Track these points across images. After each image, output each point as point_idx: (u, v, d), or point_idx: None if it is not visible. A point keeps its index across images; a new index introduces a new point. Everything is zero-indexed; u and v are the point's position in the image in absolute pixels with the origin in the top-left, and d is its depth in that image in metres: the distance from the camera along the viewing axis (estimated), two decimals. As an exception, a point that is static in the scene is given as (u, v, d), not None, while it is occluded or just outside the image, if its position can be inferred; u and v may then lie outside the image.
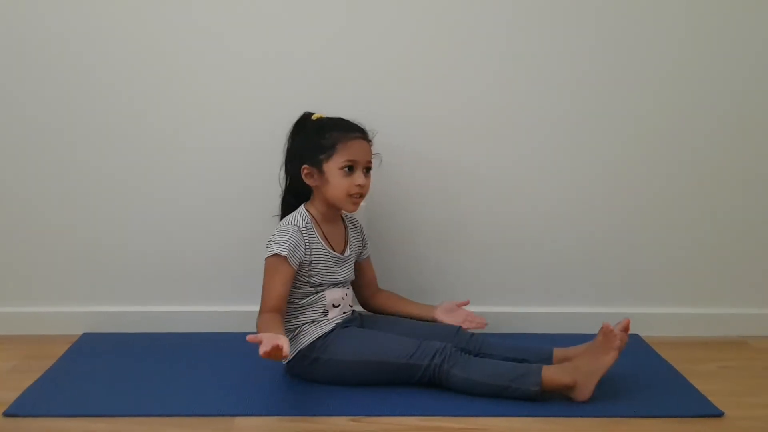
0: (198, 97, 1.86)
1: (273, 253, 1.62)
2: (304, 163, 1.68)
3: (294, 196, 1.75)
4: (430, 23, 1.85)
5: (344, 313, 1.73)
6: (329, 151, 1.65)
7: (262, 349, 1.42)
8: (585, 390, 1.56)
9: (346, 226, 1.79)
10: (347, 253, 1.75)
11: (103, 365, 1.75)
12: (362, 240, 1.84)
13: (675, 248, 1.98)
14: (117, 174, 1.89)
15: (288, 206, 1.75)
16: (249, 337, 1.46)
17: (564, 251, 1.97)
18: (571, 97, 1.90)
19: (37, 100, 1.85)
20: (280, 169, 1.75)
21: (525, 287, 1.98)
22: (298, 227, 1.66)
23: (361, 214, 1.91)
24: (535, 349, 1.69)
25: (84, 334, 1.93)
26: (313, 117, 1.72)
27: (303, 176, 1.69)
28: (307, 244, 1.65)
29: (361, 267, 1.82)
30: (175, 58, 1.84)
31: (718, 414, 1.55)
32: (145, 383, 1.66)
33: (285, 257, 1.61)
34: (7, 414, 1.51)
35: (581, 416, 1.53)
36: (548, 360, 1.65)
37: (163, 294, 1.94)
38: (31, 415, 1.51)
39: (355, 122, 1.71)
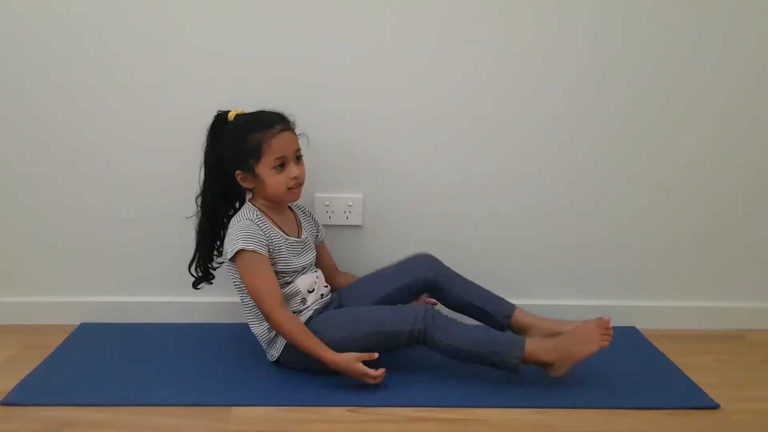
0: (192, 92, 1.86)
1: (238, 249, 1.62)
2: (236, 169, 1.67)
3: (223, 194, 1.73)
4: (426, 22, 1.85)
5: (322, 296, 1.74)
6: (256, 153, 1.64)
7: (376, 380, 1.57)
8: (561, 369, 1.59)
9: (295, 213, 1.81)
10: (304, 236, 1.77)
11: (101, 355, 1.75)
12: (314, 223, 1.85)
13: (672, 241, 1.99)
14: (114, 165, 1.88)
15: (219, 204, 1.73)
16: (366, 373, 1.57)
17: (561, 244, 1.97)
18: (568, 91, 1.89)
19: (37, 97, 1.84)
20: (200, 170, 1.72)
21: (522, 279, 1.98)
22: (252, 220, 1.66)
23: (357, 209, 1.92)
24: (498, 301, 1.74)
25: (82, 324, 1.93)
26: (230, 116, 1.69)
27: (239, 181, 1.69)
28: (264, 233, 1.66)
29: (318, 250, 1.83)
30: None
31: (715, 407, 1.56)
32: (143, 373, 1.66)
33: (253, 250, 1.62)
34: (5, 403, 1.51)
35: (578, 407, 1.54)
36: (508, 317, 1.72)
37: (160, 284, 1.94)
38: (28, 404, 1.52)
39: (271, 112, 1.68)
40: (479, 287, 1.77)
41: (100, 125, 1.86)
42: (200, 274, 1.77)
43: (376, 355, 1.57)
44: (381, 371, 1.58)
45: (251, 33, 1.83)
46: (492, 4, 1.83)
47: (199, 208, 1.74)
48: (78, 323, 1.93)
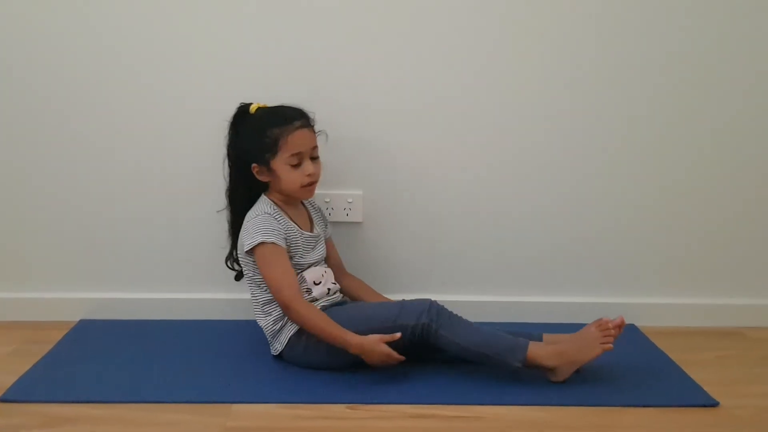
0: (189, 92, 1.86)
1: (258, 242, 1.62)
2: (253, 162, 1.68)
3: (247, 188, 1.74)
4: (430, 19, 1.84)
5: (329, 290, 1.74)
6: (273, 148, 1.65)
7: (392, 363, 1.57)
8: (562, 374, 1.59)
9: (306, 208, 1.81)
10: (316, 231, 1.77)
11: (101, 351, 1.75)
12: (323, 219, 1.86)
13: (671, 238, 1.99)
14: (114, 162, 1.89)
15: (242, 198, 1.74)
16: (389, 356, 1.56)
17: (560, 242, 1.97)
18: (568, 91, 1.89)
19: (38, 95, 1.84)
20: (224, 163, 1.74)
21: (522, 277, 1.99)
22: (269, 214, 1.67)
23: (357, 206, 1.92)
24: (526, 334, 1.68)
25: (81, 320, 1.93)
26: (251, 109, 1.70)
27: (255, 174, 1.70)
28: (281, 226, 1.67)
29: (326, 247, 1.83)
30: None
31: (714, 404, 1.56)
32: (143, 369, 1.66)
33: (273, 242, 1.63)
34: (4, 399, 1.51)
35: (576, 405, 1.54)
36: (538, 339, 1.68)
37: (160, 281, 1.94)
38: (27, 400, 1.52)
39: (292, 108, 1.69)
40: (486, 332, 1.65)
41: (100, 123, 1.87)
42: (238, 267, 1.77)
43: (399, 335, 1.56)
44: (401, 357, 1.58)
45: (253, 31, 1.83)
46: (499, 4, 1.83)
47: (228, 202, 1.75)
48: (78, 319, 1.93)
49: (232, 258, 1.78)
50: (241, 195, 1.74)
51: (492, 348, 1.59)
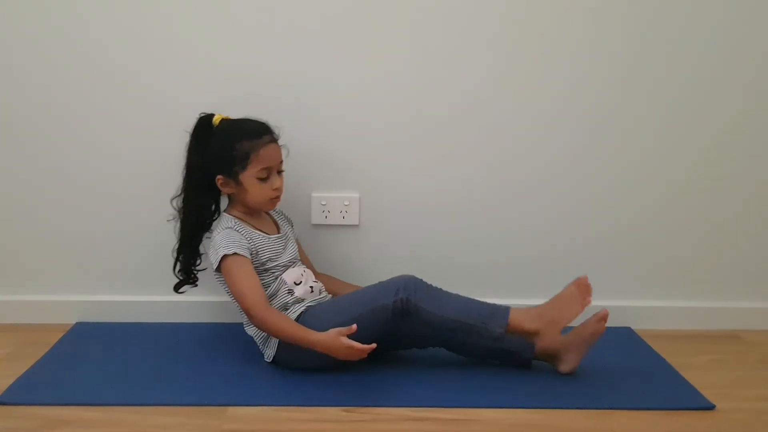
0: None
1: (221, 256, 1.63)
2: (219, 174, 1.68)
3: (201, 200, 1.73)
4: (426, 23, 1.84)
5: (311, 288, 1.73)
6: (243, 162, 1.65)
7: (359, 355, 1.54)
8: (546, 338, 1.60)
9: (268, 213, 1.81)
10: (283, 231, 1.78)
11: (97, 354, 1.75)
12: (287, 219, 1.86)
13: (667, 241, 1.99)
14: (111, 164, 1.88)
15: (192, 210, 1.72)
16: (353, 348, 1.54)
17: (557, 245, 1.97)
18: (566, 93, 1.89)
19: (34, 98, 1.84)
20: (182, 173, 1.72)
21: (518, 280, 1.99)
22: (231, 227, 1.68)
23: (353, 209, 1.92)
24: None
25: (77, 323, 1.93)
26: (215, 120, 1.70)
27: (219, 185, 1.70)
28: (244, 236, 1.67)
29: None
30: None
31: (710, 407, 1.56)
32: (139, 372, 1.66)
33: (234, 253, 1.63)
34: (0, 402, 1.51)
35: (573, 408, 1.54)
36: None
37: (157, 284, 1.93)
38: (23, 403, 1.51)
39: (258, 122, 1.70)
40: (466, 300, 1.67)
41: (97, 125, 1.86)
42: (182, 277, 1.77)
43: (355, 327, 1.54)
44: (370, 346, 1.55)
45: (251, 31, 1.83)
46: (494, 7, 1.83)
47: (178, 211, 1.74)
48: (74, 322, 1.93)
49: (179, 266, 1.77)
50: (201, 204, 1.74)
51: (473, 316, 1.60)
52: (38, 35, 1.81)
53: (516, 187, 1.94)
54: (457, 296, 1.65)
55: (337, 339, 1.55)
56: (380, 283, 1.66)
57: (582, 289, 1.62)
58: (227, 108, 1.74)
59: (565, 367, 1.63)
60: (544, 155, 1.92)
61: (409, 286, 1.60)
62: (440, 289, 1.65)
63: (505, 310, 1.61)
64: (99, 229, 1.92)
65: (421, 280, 1.63)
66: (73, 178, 1.89)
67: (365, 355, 1.56)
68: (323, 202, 1.93)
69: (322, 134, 1.87)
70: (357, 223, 1.95)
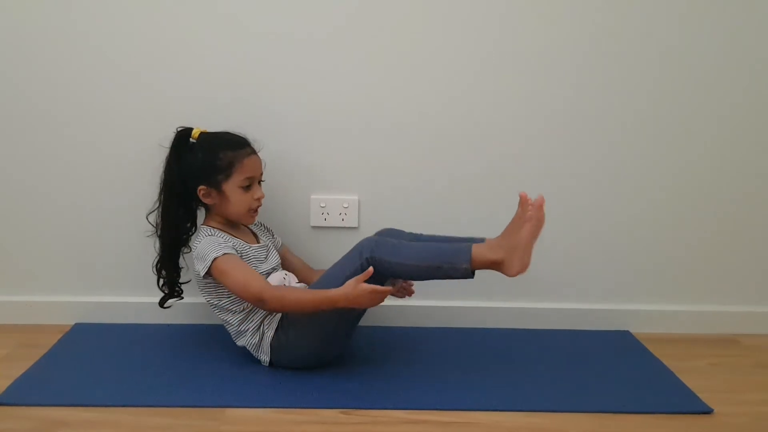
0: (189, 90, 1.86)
1: (211, 260, 1.62)
2: (201, 184, 1.69)
3: (180, 213, 1.73)
4: (423, 25, 1.85)
5: None
6: (226, 171, 1.66)
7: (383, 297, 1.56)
8: (512, 264, 1.57)
9: (247, 226, 1.81)
10: (263, 241, 1.79)
11: (95, 355, 1.75)
12: (267, 230, 1.86)
13: (666, 245, 1.99)
14: (110, 166, 1.88)
15: (171, 224, 1.73)
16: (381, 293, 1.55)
17: (555, 248, 1.97)
18: (563, 93, 1.89)
19: (34, 98, 1.84)
20: (159, 187, 1.72)
21: (516, 282, 1.95)
22: (212, 235, 1.68)
23: (353, 211, 1.92)
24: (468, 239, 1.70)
25: (76, 324, 1.93)
26: (194, 134, 1.71)
27: (200, 196, 1.70)
28: (228, 241, 1.68)
29: (282, 256, 1.84)
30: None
31: (708, 411, 1.56)
32: (137, 374, 1.66)
33: (223, 254, 1.63)
34: (-2, 403, 1.51)
35: (571, 411, 1.54)
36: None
37: (155, 285, 1.92)
38: (22, 404, 1.51)
39: (239, 135, 1.71)
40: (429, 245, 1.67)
41: (94, 126, 1.86)
42: (166, 290, 1.78)
43: (371, 269, 1.56)
44: (388, 288, 1.57)
45: (253, 32, 1.83)
46: (490, 7, 1.84)
47: (156, 226, 1.74)
48: (72, 323, 1.93)
49: (163, 281, 1.78)
50: (180, 217, 1.74)
51: (437, 258, 1.59)
52: (38, 35, 1.81)
53: (515, 189, 1.93)
54: (418, 243, 1.66)
55: (358, 287, 1.55)
56: (343, 255, 1.65)
57: (523, 205, 1.59)
58: (227, 108, 1.74)
59: (511, 270, 1.59)
60: (543, 158, 1.93)
61: (370, 244, 1.61)
62: (401, 241, 1.64)
63: (467, 247, 1.60)
64: (98, 231, 1.92)
65: (381, 237, 1.65)
66: (72, 179, 1.89)
67: (386, 296, 1.57)
68: (322, 204, 1.93)
69: (321, 137, 1.87)
70: (356, 225, 1.95)
